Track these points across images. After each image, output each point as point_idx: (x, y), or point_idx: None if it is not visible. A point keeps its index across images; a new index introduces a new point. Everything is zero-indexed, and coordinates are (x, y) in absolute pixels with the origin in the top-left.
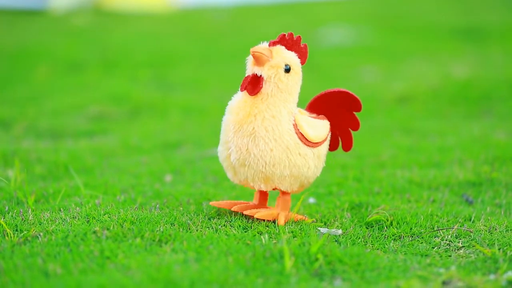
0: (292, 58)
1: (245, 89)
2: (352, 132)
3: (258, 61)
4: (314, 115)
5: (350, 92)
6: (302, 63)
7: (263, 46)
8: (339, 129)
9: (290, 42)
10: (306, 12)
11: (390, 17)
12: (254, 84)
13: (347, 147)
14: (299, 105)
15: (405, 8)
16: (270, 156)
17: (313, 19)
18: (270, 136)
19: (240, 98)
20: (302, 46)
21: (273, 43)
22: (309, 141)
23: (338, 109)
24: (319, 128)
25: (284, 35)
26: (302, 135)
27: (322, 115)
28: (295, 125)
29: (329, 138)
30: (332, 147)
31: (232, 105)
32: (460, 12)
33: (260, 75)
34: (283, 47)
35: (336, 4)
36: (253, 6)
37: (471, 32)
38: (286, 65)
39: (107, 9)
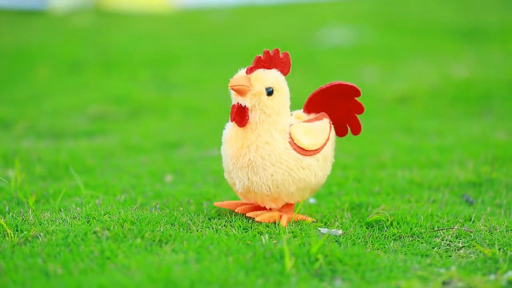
0: (272, 78)
1: (233, 121)
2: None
3: (239, 93)
4: (312, 115)
5: (343, 82)
6: (286, 73)
7: (241, 77)
8: (345, 117)
9: (268, 61)
10: (307, 12)
11: (390, 17)
12: (241, 116)
13: (356, 131)
14: (298, 105)
15: (405, 9)
16: (271, 180)
17: (313, 19)
18: (267, 162)
19: (231, 128)
20: (282, 56)
21: (250, 70)
22: (309, 151)
23: (336, 101)
24: (318, 133)
25: (259, 57)
26: (301, 148)
27: (322, 113)
28: (291, 141)
29: (332, 135)
30: (341, 133)
31: (226, 136)
32: (460, 12)
33: (245, 106)
34: (261, 70)
35: (336, 4)
36: (254, 6)
37: (471, 32)
38: (267, 89)
39: (107, 9)
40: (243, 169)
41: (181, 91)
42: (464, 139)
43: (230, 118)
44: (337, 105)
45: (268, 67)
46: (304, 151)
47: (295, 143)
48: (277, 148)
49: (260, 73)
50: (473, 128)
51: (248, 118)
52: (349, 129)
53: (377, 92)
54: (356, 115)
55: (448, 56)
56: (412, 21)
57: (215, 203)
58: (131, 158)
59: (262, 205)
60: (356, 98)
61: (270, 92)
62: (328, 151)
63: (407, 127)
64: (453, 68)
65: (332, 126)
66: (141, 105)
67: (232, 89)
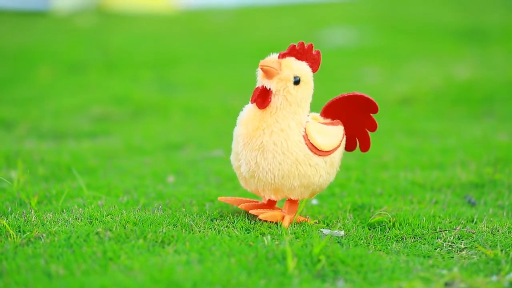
0: (302, 69)
1: (254, 102)
2: (370, 134)
3: (267, 74)
4: (328, 120)
5: (365, 95)
6: (315, 70)
7: (272, 59)
8: (356, 130)
9: (301, 52)
10: (309, 13)
11: (392, 19)
12: (263, 98)
13: (365, 147)
14: (312, 109)
15: (407, 10)
16: (278, 169)
17: (315, 20)
18: (279, 149)
19: (249, 110)
20: (314, 53)
21: (283, 55)
22: (321, 151)
23: (354, 112)
24: (331, 136)
25: (294, 45)
26: (313, 145)
27: (337, 120)
28: (305, 136)
29: (343, 143)
30: (350, 147)
31: (242, 117)
32: (462, 13)
33: (269, 89)
34: (293, 58)
35: (338, 5)
36: (255, 7)
37: (473, 34)
38: (295, 77)
39: (109, 10)
40: (253, 152)
41: (183, 92)
42: (466, 140)
43: (250, 100)
44: (353, 116)
45: (300, 58)
46: (315, 149)
47: (309, 139)
48: (291, 137)
49: (292, 60)
50: (475, 129)
51: (270, 101)
52: (358, 144)
53: (379, 93)
54: (368, 131)
55: (450, 57)
56: (413, 22)
57: (219, 198)
58: (134, 159)
59: (262, 194)
60: (372, 115)
61: (297, 81)
62: (336, 158)
63: (409, 128)
64: (455, 69)
65: (345, 136)
66: (143, 106)
67: (262, 69)
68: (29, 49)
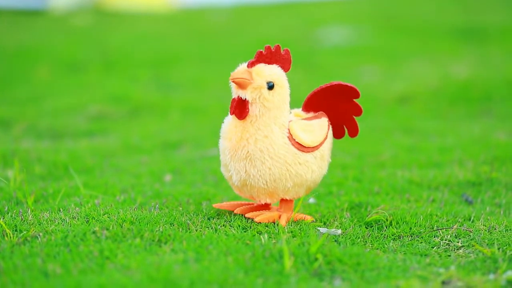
0: (273, 73)
1: (233, 114)
2: (356, 118)
3: (240, 86)
4: (311, 114)
5: (343, 82)
6: (287, 70)
7: (242, 70)
8: (342, 118)
9: (269, 56)
10: (306, 12)
11: (390, 17)
12: (240, 109)
13: (353, 133)
14: (297, 104)
15: (405, 8)
16: (269, 174)
17: (313, 19)
18: (266, 155)
19: (230, 122)
20: (283, 53)
21: (252, 64)
22: (308, 147)
23: (336, 102)
24: (316, 130)
25: (261, 51)
26: (299, 144)
27: (320, 112)
28: (290, 137)
29: (330, 134)
30: (339, 135)
31: (224, 130)
32: (460, 12)
33: (245, 99)
34: (263, 64)
35: (336, 4)
36: (253, 6)
37: (471, 32)
38: (268, 83)
39: (107, 9)
40: (240, 162)
41: (181, 91)
42: (464, 139)
43: (229, 112)
44: (336, 105)
45: (269, 62)
46: (302, 147)
47: (294, 139)
48: (276, 142)
49: (262, 67)
50: (473, 128)
51: (248, 111)
52: (346, 131)
53: (377, 92)
54: (354, 117)
55: (448, 56)
56: (412, 21)
57: (214, 205)
58: (131, 158)
59: (257, 199)
60: (355, 100)
61: (271, 87)
62: (325, 150)
63: (407, 127)
64: (453, 68)
65: (330, 126)
66: (141, 105)
67: (233, 82)
68: (27, 48)
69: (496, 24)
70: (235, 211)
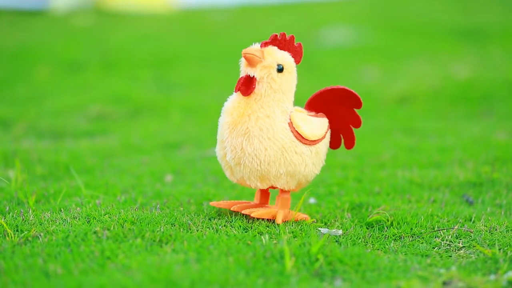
0: (284, 57)
1: (238, 90)
2: (354, 130)
3: (250, 62)
4: (313, 113)
5: (349, 89)
6: (297, 62)
7: (255, 48)
8: (340, 126)
9: (282, 42)
10: (307, 12)
11: (390, 17)
12: (247, 85)
13: (349, 145)
14: (298, 104)
15: (406, 8)
16: (264, 154)
17: (314, 19)
18: (264, 135)
19: (234, 99)
20: (296, 45)
21: (265, 44)
22: (306, 139)
23: (337, 107)
24: (316, 125)
25: (276, 35)
26: (298, 133)
27: (321, 113)
28: (290, 124)
29: (328, 136)
30: (335, 145)
31: (227, 106)
32: (460, 12)
33: (253, 76)
34: (275, 48)
35: (336, 4)
36: (254, 6)
37: (471, 33)
38: (278, 65)
39: (107, 10)
40: (238, 138)
41: (181, 91)
42: (464, 139)
43: (235, 89)
44: (337, 111)
45: (282, 48)
46: (301, 138)
47: (294, 128)
48: (277, 124)
49: (274, 49)
50: (473, 128)
51: (254, 87)
52: (342, 142)
53: (377, 92)
54: (352, 128)
55: (449, 56)
56: (412, 21)
57: (211, 203)
58: (132, 158)
59: (247, 183)
60: (355, 110)
61: (280, 69)
62: (322, 149)
63: (407, 127)
64: (454, 69)
65: (329, 129)
66: (142, 105)
67: (245, 56)
68: (27, 48)
69: (496, 24)
70: (232, 208)
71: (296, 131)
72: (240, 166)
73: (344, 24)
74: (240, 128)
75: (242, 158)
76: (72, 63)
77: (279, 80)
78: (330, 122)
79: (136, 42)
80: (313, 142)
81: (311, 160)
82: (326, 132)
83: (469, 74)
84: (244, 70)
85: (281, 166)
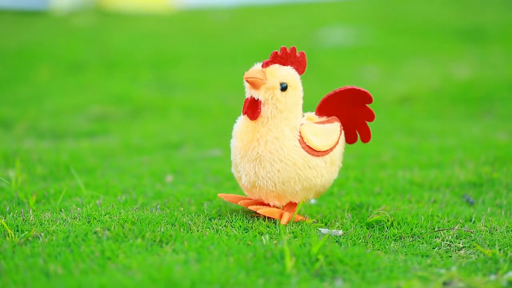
0: (287, 74)
1: (245, 114)
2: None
3: (253, 85)
4: (324, 118)
5: (356, 87)
6: (301, 72)
7: (256, 70)
8: (355, 123)
9: (284, 57)
10: (307, 12)
11: (391, 18)
12: (253, 109)
13: (365, 138)
14: (306, 107)
15: (406, 9)
16: (278, 176)
17: (314, 19)
18: (275, 157)
19: (242, 122)
20: (298, 55)
21: (266, 64)
22: (318, 151)
23: (349, 106)
24: (328, 135)
25: (276, 52)
26: (310, 147)
27: (333, 117)
28: (300, 140)
29: (342, 139)
30: (351, 140)
31: (236, 130)
32: (461, 12)
33: (258, 99)
34: (277, 65)
35: (337, 4)
36: (254, 7)
37: (472, 33)
38: (282, 84)
39: (108, 10)
40: (250, 163)
41: (182, 91)
42: (465, 139)
43: (242, 111)
44: (349, 110)
45: (284, 63)
46: (312, 151)
47: (305, 142)
48: (287, 144)
49: (276, 68)
50: (474, 128)
51: (260, 111)
52: (358, 136)
53: (378, 93)
54: (366, 122)
55: (449, 56)
56: (413, 21)
57: (219, 194)
58: (132, 159)
59: (266, 202)
60: (367, 105)
61: (284, 88)
62: (336, 155)
63: (408, 128)
64: (454, 69)
65: (343, 131)
66: (142, 105)
67: (247, 81)
68: (28, 48)
69: (497, 24)
70: (238, 203)
71: (307, 145)
72: (256, 188)
73: (344, 24)
74: (250, 154)
75: (257, 181)
76: (72, 63)
77: (284, 100)
78: (343, 121)
79: (136, 42)
80: (326, 152)
81: (326, 169)
82: (339, 137)
83: (469, 74)
84: (249, 92)
85: (296, 184)
